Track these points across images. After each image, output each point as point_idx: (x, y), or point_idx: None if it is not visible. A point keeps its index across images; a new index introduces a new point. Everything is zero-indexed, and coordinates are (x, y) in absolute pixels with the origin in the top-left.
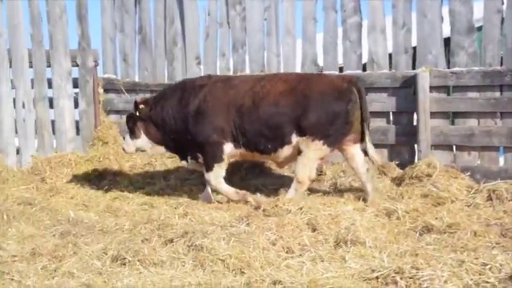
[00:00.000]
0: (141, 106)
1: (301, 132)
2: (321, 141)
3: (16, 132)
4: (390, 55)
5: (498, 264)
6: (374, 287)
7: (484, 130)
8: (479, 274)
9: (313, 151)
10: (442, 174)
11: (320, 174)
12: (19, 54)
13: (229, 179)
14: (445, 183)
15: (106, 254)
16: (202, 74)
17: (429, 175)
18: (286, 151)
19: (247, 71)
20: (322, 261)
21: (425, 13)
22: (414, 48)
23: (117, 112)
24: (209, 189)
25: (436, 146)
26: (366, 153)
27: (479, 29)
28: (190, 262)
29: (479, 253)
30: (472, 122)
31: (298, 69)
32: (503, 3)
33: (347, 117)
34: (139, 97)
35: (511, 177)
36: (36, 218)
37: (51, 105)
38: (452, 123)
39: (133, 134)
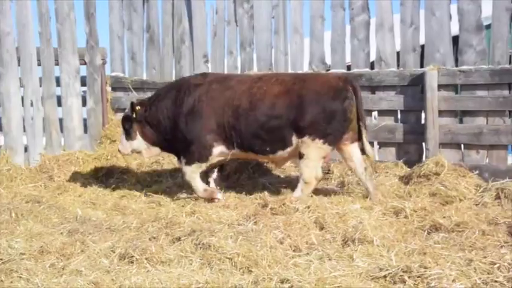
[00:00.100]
0: (138, 107)
1: (300, 133)
2: (321, 140)
3: (24, 131)
4: (398, 53)
5: (507, 263)
6: (382, 286)
7: (493, 129)
8: (488, 273)
9: (315, 151)
10: (450, 173)
11: (328, 173)
12: (27, 52)
13: (237, 177)
14: (453, 181)
15: (114, 252)
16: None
17: (437, 174)
18: (285, 152)
19: (255, 69)
20: (329, 259)
21: (434, 11)
22: (422, 47)
23: (125, 110)
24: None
25: (444, 145)
26: (363, 151)
27: (488, 27)
28: (197, 260)
29: (487, 252)
30: (481, 121)
31: (305, 68)
32: (511, 1)
33: (345, 115)
34: (146, 96)
35: None
36: (44, 216)
37: (59, 104)
38: (461, 121)
39: (129, 136)
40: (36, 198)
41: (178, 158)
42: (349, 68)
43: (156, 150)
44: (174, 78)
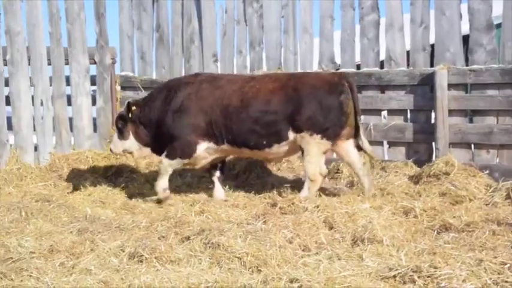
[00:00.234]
0: (133, 108)
1: (298, 128)
2: (319, 135)
3: (34, 130)
4: (408, 53)
5: None
6: (392, 286)
7: (503, 128)
8: (498, 273)
9: (315, 146)
10: (460, 173)
11: (337, 172)
12: (38, 52)
13: (246, 177)
14: (463, 181)
15: (123, 251)
16: (219, 72)
17: (447, 173)
18: (281, 145)
19: (264, 69)
20: (339, 259)
21: (444, 10)
22: (432, 46)
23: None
24: (219, 186)
25: (454, 144)
26: (359, 148)
27: (498, 26)
28: (207, 259)
29: (498, 252)
30: (491, 120)
31: (315, 67)
32: None
33: (341, 109)
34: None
35: None
36: (53, 214)
37: (69, 103)
38: (471, 121)
39: (121, 135)
40: (46, 197)
41: None
42: (358, 67)
43: (147, 151)
44: None
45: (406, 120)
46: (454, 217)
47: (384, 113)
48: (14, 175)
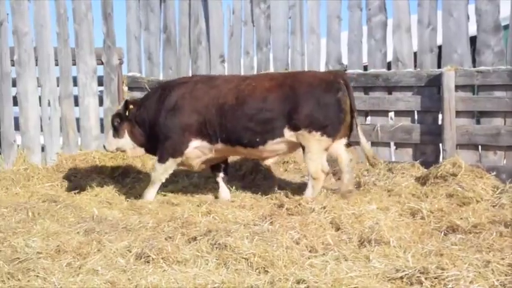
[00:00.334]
0: (131, 107)
1: (296, 126)
2: (319, 133)
3: (41, 130)
4: (415, 54)
5: None
6: (399, 287)
7: (510, 130)
8: (505, 275)
9: (315, 143)
10: (467, 174)
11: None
12: (45, 52)
13: (253, 178)
14: (470, 183)
15: (130, 252)
16: (226, 73)
17: (454, 175)
18: (275, 142)
19: (272, 69)
20: (346, 260)
21: (451, 12)
22: (439, 47)
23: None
24: (224, 187)
25: (461, 146)
26: (348, 144)
27: (506, 27)
28: (213, 260)
29: (505, 253)
30: (498, 122)
31: (322, 68)
32: None
33: (339, 106)
34: None
35: None
36: (60, 215)
37: (76, 103)
38: (478, 122)
39: (116, 133)
40: (53, 198)
41: None
42: (365, 68)
43: (141, 151)
44: None
45: (413, 121)
46: (461, 218)
47: (391, 114)
48: (21, 175)
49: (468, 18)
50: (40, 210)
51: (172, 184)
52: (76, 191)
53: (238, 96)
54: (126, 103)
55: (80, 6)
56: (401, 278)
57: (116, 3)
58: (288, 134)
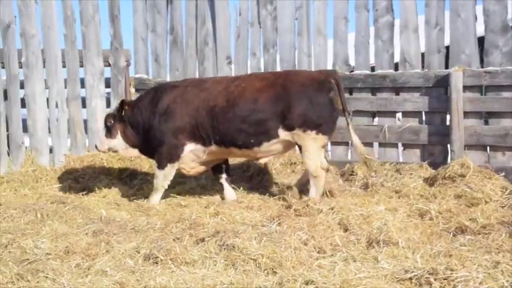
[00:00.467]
0: (126, 107)
1: (289, 126)
2: (314, 131)
3: (49, 132)
4: (423, 54)
5: None
6: None
7: None
8: None
9: (310, 142)
10: (475, 175)
11: (351, 174)
12: (53, 54)
13: (260, 179)
14: (478, 183)
15: (138, 253)
16: (233, 74)
17: (462, 175)
18: (270, 144)
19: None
20: (354, 261)
21: (459, 12)
22: (447, 48)
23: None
24: (229, 187)
25: (469, 146)
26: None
27: None
28: (222, 261)
29: None
30: (507, 122)
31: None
32: None
33: (332, 105)
34: None
35: None
36: (69, 216)
37: (83, 105)
38: (486, 123)
39: (109, 133)
40: (61, 199)
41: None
42: (373, 69)
43: (134, 152)
44: None
45: (421, 122)
46: (470, 219)
47: (399, 115)
48: (29, 177)
49: (476, 18)
50: (48, 211)
51: (180, 185)
52: (84, 193)
53: (228, 98)
54: (122, 103)
55: (87, 8)
56: (410, 279)
57: (122, 5)
58: (283, 134)
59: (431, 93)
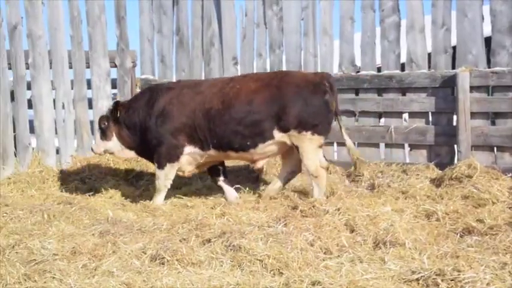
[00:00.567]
0: (121, 108)
1: (284, 127)
2: (309, 132)
3: (56, 133)
4: (429, 55)
5: None
6: None
7: None
8: None
9: (307, 142)
10: (482, 176)
11: (358, 175)
12: (59, 55)
13: (267, 179)
14: (486, 184)
15: (145, 253)
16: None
17: (469, 176)
18: (266, 145)
19: None
20: (361, 262)
21: (466, 12)
22: (454, 48)
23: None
24: (229, 188)
25: (476, 147)
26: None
27: None
28: (228, 262)
29: None
30: None
31: (335, 70)
32: None
33: (327, 107)
34: None
35: None
36: (75, 217)
37: (90, 106)
38: (493, 123)
39: (104, 136)
40: (67, 200)
41: (152, 162)
42: (379, 69)
43: (130, 153)
44: None
45: (427, 122)
46: (477, 220)
47: (405, 115)
48: (36, 178)
49: (483, 18)
50: (55, 212)
51: (186, 186)
52: (91, 193)
53: (223, 99)
54: (116, 105)
55: (94, 9)
56: (417, 280)
57: (129, 6)
58: (278, 136)
59: (438, 94)
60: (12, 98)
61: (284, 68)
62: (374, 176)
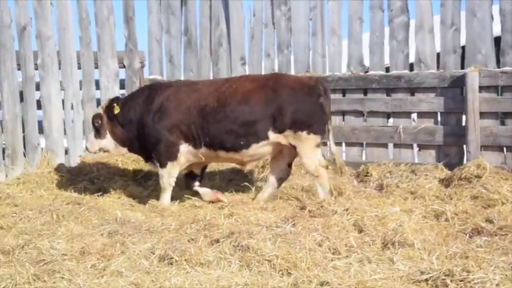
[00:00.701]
0: (115, 105)
1: (279, 128)
2: (305, 131)
3: (65, 133)
4: (438, 55)
5: None
6: None
7: None
8: None
9: (303, 142)
10: (492, 176)
11: (366, 175)
12: (68, 56)
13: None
14: (495, 184)
15: (153, 254)
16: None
17: (478, 176)
18: (259, 146)
19: (292, 72)
20: (369, 262)
21: (475, 12)
22: (463, 48)
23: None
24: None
25: (485, 147)
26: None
27: None
28: (236, 262)
29: None
30: None
31: (343, 70)
32: None
33: (322, 109)
34: None
35: None
36: (84, 217)
37: (98, 106)
38: (503, 123)
39: (98, 134)
40: (76, 200)
41: (146, 160)
42: (388, 69)
43: (123, 150)
44: None
45: (436, 122)
46: (486, 221)
47: (414, 115)
48: (45, 178)
49: (492, 18)
50: (64, 212)
51: None
52: (99, 194)
53: (219, 98)
54: (112, 102)
55: (102, 10)
56: (426, 280)
57: (137, 6)
58: (273, 136)
59: (447, 94)
60: (21, 99)
61: (292, 69)
62: (382, 176)
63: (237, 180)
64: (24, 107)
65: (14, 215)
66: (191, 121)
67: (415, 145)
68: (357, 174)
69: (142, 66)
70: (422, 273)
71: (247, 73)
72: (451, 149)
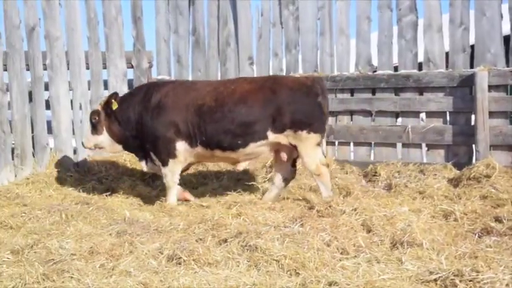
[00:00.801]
0: (114, 102)
1: (279, 128)
2: (305, 131)
3: (73, 133)
4: (447, 54)
5: None
6: None
7: None
8: None
9: (303, 141)
10: (501, 176)
11: (374, 175)
12: (76, 56)
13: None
14: (504, 184)
15: (162, 253)
16: (255, 75)
17: (488, 176)
18: (256, 145)
19: (300, 71)
20: (378, 262)
21: (484, 11)
22: (472, 47)
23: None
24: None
25: (495, 147)
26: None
27: None
28: (244, 262)
29: None
30: None
31: (352, 69)
32: None
33: (321, 108)
34: None
35: None
36: (93, 217)
37: None
38: None
39: (95, 130)
40: (85, 200)
41: (140, 159)
42: (396, 69)
43: (118, 147)
44: None
45: (445, 122)
46: (495, 220)
47: (422, 115)
48: (54, 178)
49: (502, 17)
50: (73, 212)
51: (202, 186)
52: (108, 193)
53: (217, 97)
54: (110, 98)
55: (110, 10)
56: (435, 280)
57: (145, 6)
58: (272, 136)
59: (456, 93)
60: (30, 99)
61: (300, 68)
62: (391, 176)
63: (245, 180)
64: (33, 107)
65: (23, 214)
66: (188, 119)
67: (423, 145)
68: (365, 174)
69: (151, 66)
70: (431, 273)
71: (255, 73)
72: (460, 148)
